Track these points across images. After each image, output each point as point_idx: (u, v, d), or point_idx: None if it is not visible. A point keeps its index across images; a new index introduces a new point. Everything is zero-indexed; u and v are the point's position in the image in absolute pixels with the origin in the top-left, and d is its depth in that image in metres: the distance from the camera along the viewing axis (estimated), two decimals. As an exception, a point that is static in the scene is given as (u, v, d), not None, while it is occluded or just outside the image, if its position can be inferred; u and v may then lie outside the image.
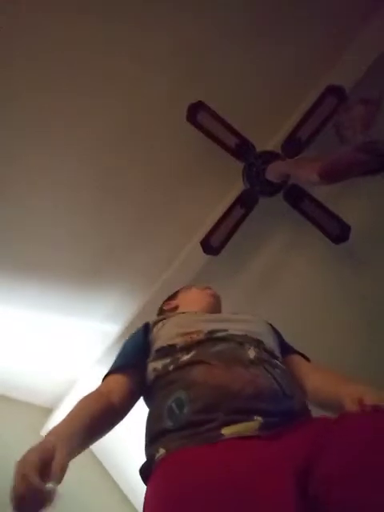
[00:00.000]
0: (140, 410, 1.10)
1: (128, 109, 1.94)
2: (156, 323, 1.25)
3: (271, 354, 1.07)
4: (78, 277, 2.22)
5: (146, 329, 1.25)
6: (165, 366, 1.05)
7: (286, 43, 1.95)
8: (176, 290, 1.63)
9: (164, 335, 1.16)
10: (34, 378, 2.73)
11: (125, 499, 2.98)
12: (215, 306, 1.45)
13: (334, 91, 1.94)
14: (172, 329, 1.16)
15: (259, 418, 0.84)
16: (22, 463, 0.75)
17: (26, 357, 2.59)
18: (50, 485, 0.72)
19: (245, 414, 0.85)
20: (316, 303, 2.30)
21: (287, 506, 0.65)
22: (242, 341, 1.06)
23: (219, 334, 1.09)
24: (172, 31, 1.83)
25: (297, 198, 2.11)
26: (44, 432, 2.79)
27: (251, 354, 1.01)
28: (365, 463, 0.66)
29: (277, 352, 1.14)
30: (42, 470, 0.74)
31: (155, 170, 2.09)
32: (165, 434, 0.90)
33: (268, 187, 2.06)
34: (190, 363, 1.00)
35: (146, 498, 0.82)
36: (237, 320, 1.21)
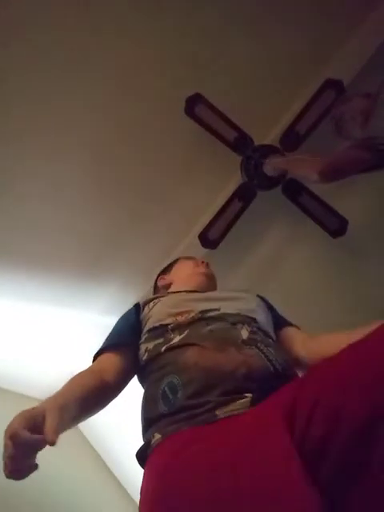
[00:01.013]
0: (134, 400, 1.10)
1: (126, 102, 1.93)
2: (147, 303, 1.24)
3: (265, 332, 1.07)
4: (75, 269, 2.22)
5: (137, 309, 1.25)
6: (156, 347, 1.05)
7: (284, 36, 1.94)
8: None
9: (155, 315, 1.15)
10: (30, 370, 2.74)
11: (123, 491, 3.00)
12: (208, 285, 1.41)
13: (332, 85, 1.95)
14: (163, 309, 1.16)
15: (249, 395, 0.85)
16: (10, 425, 0.75)
17: (21, 349, 2.59)
18: (37, 436, 0.72)
19: (237, 393, 0.86)
20: (314, 296, 2.31)
21: (288, 463, 0.67)
22: (235, 321, 1.05)
23: (211, 314, 1.08)
24: (170, 24, 1.82)
25: (295, 191, 2.11)
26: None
27: (244, 333, 1.00)
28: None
29: (270, 329, 1.14)
30: (32, 430, 0.74)
31: (153, 162, 2.09)
32: (160, 419, 0.90)
33: (266, 181, 2.06)
34: (182, 345, 1.00)
35: (143, 483, 0.83)
36: (229, 298, 1.20)
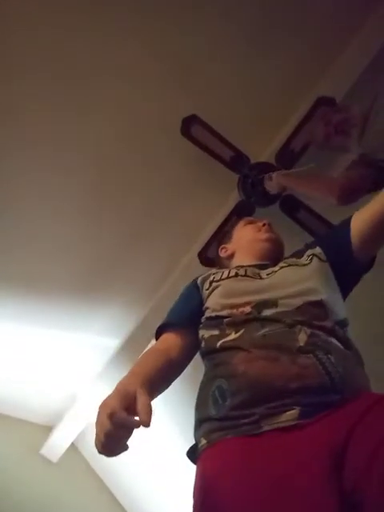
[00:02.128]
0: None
1: (123, 123, 1.96)
2: (203, 281, 1.21)
3: (329, 329, 0.96)
4: (75, 291, 2.22)
5: (197, 288, 1.22)
6: (212, 339, 1.02)
7: (276, 56, 1.98)
8: (230, 229, 1.52)
9: (212, 304, 1.12)
10: (33, 396, 2.70)
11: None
12: (273, 252, 1.30)
13: (324, 102, 1.97)
14: (220, 299, 1.11)
15: (298, 408, 0.82)
16: (107, 403, 0.75)
17: (23, 374, 2.57)
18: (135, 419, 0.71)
19: (285, 406, 0.83)
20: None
21: (321, 494, 0.67)
22: (293, 321, 0.95)
23: (267, 313, 1.00)
24: (165, 46, 1.86)
25: (293, 208, 2.12)
26: (44, 451, 2.76)
27: (302, 338, 0.91)
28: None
29: (339, 309, 1.05)
30: (127, 409, 0.73)
31: (151, 183, 2.10)
32: (208, 421, 0.91)
33: (264, 198, 2.07)
34: (235, 347, 0.95)
35: (194, 484, 0.86)
36: (292, 281, 1.09)
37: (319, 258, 1.14)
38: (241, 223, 1.47)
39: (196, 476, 0.87)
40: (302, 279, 1.09)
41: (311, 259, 1.15)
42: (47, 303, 2.20)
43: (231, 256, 1.37)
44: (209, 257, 2.13)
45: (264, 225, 1.37)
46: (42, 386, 2.65)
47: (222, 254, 1.42)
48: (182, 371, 1.09)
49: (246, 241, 1.36)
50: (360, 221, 1.11)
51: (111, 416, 0.71)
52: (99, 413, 0.75)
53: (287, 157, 2.04)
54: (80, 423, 2.69)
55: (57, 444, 2.73)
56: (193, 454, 0.93)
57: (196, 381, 1.01)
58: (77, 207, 2.06)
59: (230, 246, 1.41)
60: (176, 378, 1.06)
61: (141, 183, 2.10)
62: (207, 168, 2.08)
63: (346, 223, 1.14)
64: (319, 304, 1.01)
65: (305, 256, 1.18)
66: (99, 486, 2.95)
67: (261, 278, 1.15)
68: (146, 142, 2.02)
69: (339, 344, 0.95)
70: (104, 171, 2.02)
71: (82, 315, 2.31)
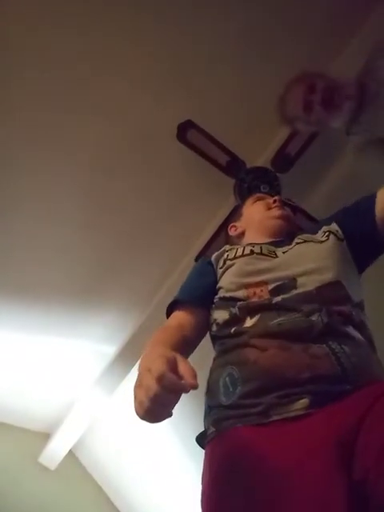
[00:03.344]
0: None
1: (119, 128, 1.96)
2: (218, 259, 1.18)
3: (345, 315, 0.94)
4: (73, 298, 2.21)
5: (211, 266, 1.19)
6: (225, 325, 1.01)
7: (273, 60, 1.99)
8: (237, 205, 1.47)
9: (226, 283, 1.09)
10: (31, 403, 2.69)
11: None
12: (285, 229, 1.26)
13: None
14: (235, 277, 1.08)
15: (309, 397, 0.81)
16: (153, 366, 0.69)
17: (21, 381, 2.56)
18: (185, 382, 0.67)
19: (295, 395, 0.82)
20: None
21: (329, 485, 0.67)
22: (310, 309, 0.92)
23: (286, 297, 0.96)
24: (160, 50, 1.86)
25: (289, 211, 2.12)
26: (42, 458, 2.74)
27: (317, 326, 0.89)
28: None
29: (355, 290, 1.02)
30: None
31: (148, 188, 2.11)
32: (218, 408, 0.90)
33: (260, 202, 2.08)
34: (248, 335, 0.94)
35: (203, 469, 0.86)
36: (309, 258, 1.05)
37: (336, 237, 1.11)
38: (250, 200, 1.42)
39: (204, 463, 0.87)
40: (319, 257, 1.05)
41: (328, 236, 1.11)
42: (44, 310, 2.19)
43: (242, 235, 1.34)
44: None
45: (274, 201, 1.32)
46: (39, 393, 2.64)
47: (232, 232, 1.38)
48: (194, 350, 1.06)
49: (257, 219, 1.31)
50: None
51: (160, 379, 0.66)
52: (143, 377, 0.71)
53: (283, 161, 2.04)
54: (78, 430, 2.68)
55: (55, 451, 2.72)
56: (202, 439, 0.94)
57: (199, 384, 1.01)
58: (73, 212, 2.06)
59: (239, 224, 1.37)
60: (190, 354, 1.03)
61: (138, 188, 2.10)
62: (203, 173, 2.08)
63: (371, 199, 1.08)
64: (338, 285, 0.98)
65: (320, 232, 1.15)
66: (97, 493, 2.93)
67: (276, 256, 1.11)
68: (143, 146, 2.03)
69: (355, 332, 0.93)
70: (100, 178, 2.02)
71: (80, 322, 2.31)
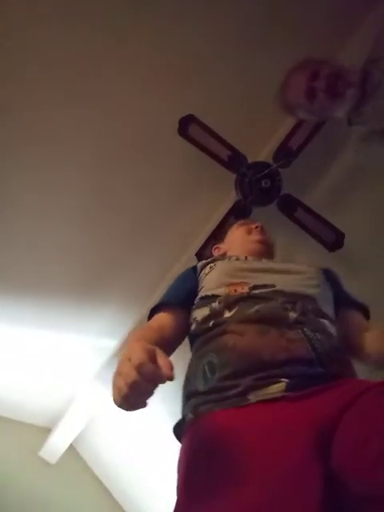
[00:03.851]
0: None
1: (121, 123, 1.95)
2: (204, 267, 1.23)
3: (320, 313, 1.00)
4: (73, 293, 2.21)
5: (195, 271, 1.24)
6: (205, 320, 1.04)
7: (273, 55, 1.97)
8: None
9: (210, 282, 1.14)
10: (31, 397, 2.70)
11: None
12: (264, 253, 1.32)
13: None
14: (218, 277, 1.13)
15: (285, 380, 0.83)
16: (134, 354, 0.71)
17: (21, 375, 2.56)
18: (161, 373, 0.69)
19: (272, 378, 0.84)
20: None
21: (304, 465, 0.67)
22: (286, 301, 0.99)
23: (263, 291, 1.03)
24: (162, 45, 1.85)
25: (290, 207, 2.11)
26: (42, 453, 2.75)
27: (292, 315, 0.95)
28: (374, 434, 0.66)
29: (329, 310, 1.07)
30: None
31: (148, 183, 2.10)
32: (195, 395, 0.91)
33: (261, 197, 2.07)
34: (225, 323, 0.98)
35: (178, 457, 0.86)
36: (289, 271, 1.14)
37: (324, 276, 1.18)
38: (235, 225, 1.51)
39: (181, 449, 0.87)
40: (301, 272, 1.13)
41: (315, 269, 1.19)
42: (45, 304, 2.19)
43: (223, 255, 1.40)
44: (206, 257, 2.12)
45: (256, 227, 1.41)
46: (40, 387, 2.64)
47: (215, 253, 1.47)
48: (173, 352, 1.07)
49: (237, 241, 1.40)
50: (364, 335, 1.05)
51: (140, 366, 0.68)
52: (123, 364, 0.72)
53: (285, 156, 2.03)
54: (78, 424, 2.69)
55: (55, 445, 2.73)
56: (179, 429, 0.93)
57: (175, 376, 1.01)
58: (74, 208, 2.05)
59: (222, 246, 1.46)
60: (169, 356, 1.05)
61: (139, 183, 2.09)
62: (204, 168, 2.07)
63: (358, 312, 1.15)
64: (313, 300, 1.03)
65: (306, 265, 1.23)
66: (98, 487, 2.94)
67: (260, 266, 1.19)
68: (144, 141, 2.02)
69: (329, 325, 0.99)
70: (101, 173, 2.02)
71: (80, 316, 2.31)
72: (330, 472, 0.67)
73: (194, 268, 1.26)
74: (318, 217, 2.11)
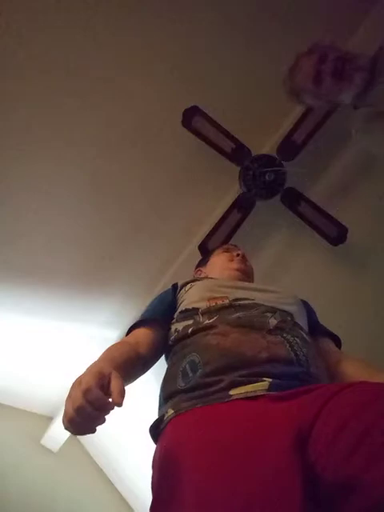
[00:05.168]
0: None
1: (124, 114, 1.95)
2: (184, 285, 1.25)
3: (296, 324, 1.05)
4: (76, 283, 2.22)
5: (175, 289, 1.27)
6: (185, 329, 1.05)
7: (279, 48, 1.96)
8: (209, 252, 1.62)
9: (190, 297, 1.16)
10: (34, 386, 2.72)
11: (123, 502, 2.96)
12: (240, 280, 1.36)
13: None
14: (199, 292, 1.16)
15: (269, 379, 0.84)
16: (83, 379, 0.72)
17: (25, 364, 2.58)
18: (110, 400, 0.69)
19: (255, 377, 0.85)
20: (314, 305, 2.30)
21: (285, 463, 0.67)
22: (266, 310, 1.04)
23: (243, 302, 1.08)
24: (167, 38, 1.84)
25: (294, 200, 2.11)
26: (44, 441, 2.77)
27: (272, 322, 0.99)
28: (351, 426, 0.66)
29: (305, 326, 1.11)
30: (101, 389, 0.71)
31: (152, 175, 2.10)
32: (176, 395, 0.91)
33: (265, 190, 2.07)
34: (208, 327, 1.00)
35: (154, 456, 0.85)
36: (266, 290, 1.19)
37: (301, 302, 1.23)
38: (219, 250, 1.56)
39: (157, 447, 0.86)
40: (278, 292, 1.19)
41: (293, 293, 1.24)
42: (48, 294, 2.21)
43: (205, 278, 1.43)
44: (209, 249, 2.13)
45: (237, 255, 1.46)
46: (42, 376, 2.66)
47: (196, 275, 1.51)
48: (148, 369, 1.08)
49: (218, 267, 1.44)
50: (339, 363, 1.09)
51: (86, 392, 0.69)
52: (73, 388, 0.73)
53: (289, 149, 2.03)
54: (80, 414, 2.71)
55: (57, 434, 2.75)
56: (155, 430, 0.91)
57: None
58: (78, 198, 2.06)
59: (204, 270, 1.50)
60: (142, 374, 1.05)
61: (142, 175, 2.09)
62: (208, 160, 2.07)
63: (332, 341, 1.20)
64: (290, 316, 1.08)
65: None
66: (99, 475, 2.97)
67: (240, 282, 1.27)
68: (147, 133, 2.02)
69: (306, 335, 1.04)
70: (104, 164, 2.02)
71: (83, 306, 2.32)
72: (309, 470, 0.67)
73: (175, 286, 1.29)
74: (321, 211, 2.11)
